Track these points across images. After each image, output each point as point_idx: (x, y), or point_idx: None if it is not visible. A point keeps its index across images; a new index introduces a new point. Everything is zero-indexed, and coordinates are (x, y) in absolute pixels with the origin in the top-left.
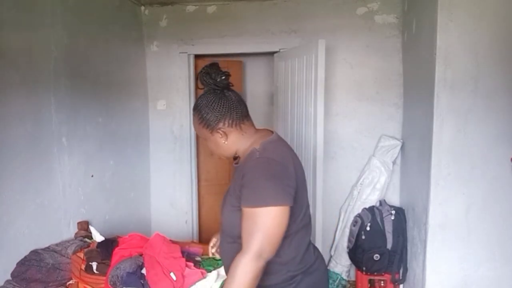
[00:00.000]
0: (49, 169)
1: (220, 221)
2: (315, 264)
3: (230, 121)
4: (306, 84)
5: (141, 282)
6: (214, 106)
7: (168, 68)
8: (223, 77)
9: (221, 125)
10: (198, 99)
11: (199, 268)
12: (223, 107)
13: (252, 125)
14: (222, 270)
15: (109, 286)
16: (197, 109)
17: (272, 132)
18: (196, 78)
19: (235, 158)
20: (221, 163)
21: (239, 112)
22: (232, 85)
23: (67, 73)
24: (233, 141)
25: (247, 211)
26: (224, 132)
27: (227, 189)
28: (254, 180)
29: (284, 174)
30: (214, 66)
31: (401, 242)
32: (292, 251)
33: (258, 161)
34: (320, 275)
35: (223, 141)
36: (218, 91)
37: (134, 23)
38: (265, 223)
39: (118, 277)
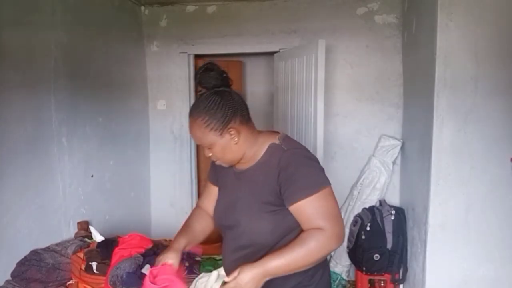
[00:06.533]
0: (49, 169)
1: (229, 228)
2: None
3: (241, 118)
4: (306, 84)
5: (141, 282)
6: (222, 104)
7: (168, 68)
8: (224, 75)
9: (232, 123)
10: (198, 103)
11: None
12: (231, 103)
13: (254, 125)
14: (222, 270)
15: (109, 286)
16: (199, 113)
17: (275, 132)
18: (195, 79)
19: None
20: None
21: (246, 109)
22: (232, 83)
23: (67, 73)
24: (244, 141)
25: (309, 200)
26: (237, 131)
27: (238, 196)
28: (300, 170)
29: (315, 157)
30: (213, 64)
31: (401, 242)
32: None
33: (291, 152)
34: (329, 271)
35: (235, 142)
36: (219, 91)
37: (134, 23)
38: (332, 203)
39: (118, 277)
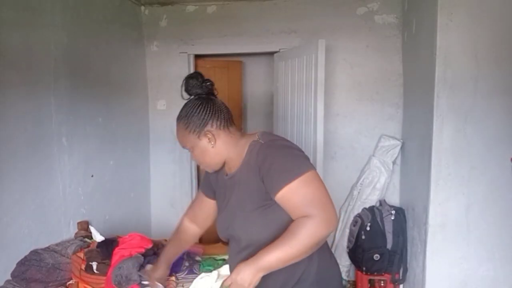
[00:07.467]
0: (49, 169)
1: (230, 236)
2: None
3: (218, 123)
4: (306, 84)
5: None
6: (200, 108)
7: (168, 68)
8: (208, 83)
9: (209, 126)
10: (182, 108)
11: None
12: (210, 108)
13: (238, 130)
14: (222, 270)
15: (113, 286)
16: (181, 116)
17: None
18: (181, 86)
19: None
20: None
21: (226, 115)
22: (217, 93)
23: (67, 73)
24: (222, 145)
25: (292, 186)
26: (213, 135)
27: (230, 203)
28: (278, 158)
29: (296, 146)
30: (197, 74)
31: (401, 242)
32: None
33: (267, 145)
34: (334, 264)
35: (211, 145)
36: (202, 97)
37: (134, 23)
38: (318, 188)
39: (122, 276)
